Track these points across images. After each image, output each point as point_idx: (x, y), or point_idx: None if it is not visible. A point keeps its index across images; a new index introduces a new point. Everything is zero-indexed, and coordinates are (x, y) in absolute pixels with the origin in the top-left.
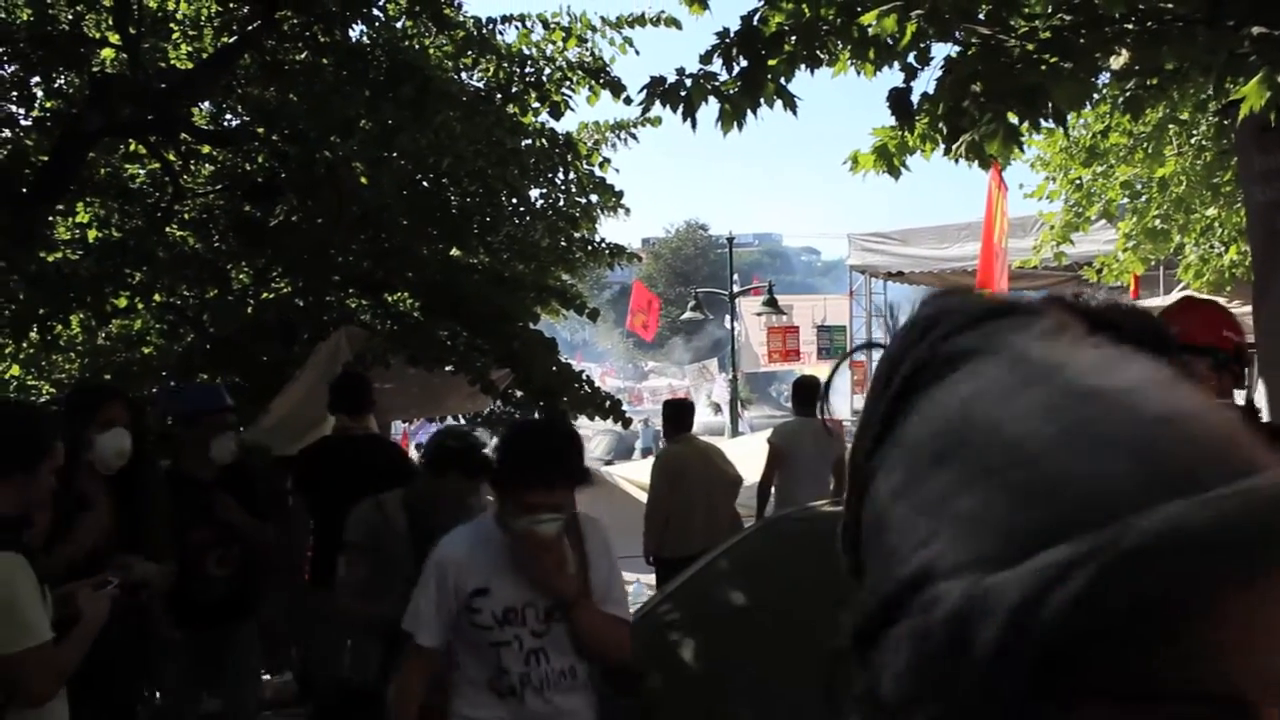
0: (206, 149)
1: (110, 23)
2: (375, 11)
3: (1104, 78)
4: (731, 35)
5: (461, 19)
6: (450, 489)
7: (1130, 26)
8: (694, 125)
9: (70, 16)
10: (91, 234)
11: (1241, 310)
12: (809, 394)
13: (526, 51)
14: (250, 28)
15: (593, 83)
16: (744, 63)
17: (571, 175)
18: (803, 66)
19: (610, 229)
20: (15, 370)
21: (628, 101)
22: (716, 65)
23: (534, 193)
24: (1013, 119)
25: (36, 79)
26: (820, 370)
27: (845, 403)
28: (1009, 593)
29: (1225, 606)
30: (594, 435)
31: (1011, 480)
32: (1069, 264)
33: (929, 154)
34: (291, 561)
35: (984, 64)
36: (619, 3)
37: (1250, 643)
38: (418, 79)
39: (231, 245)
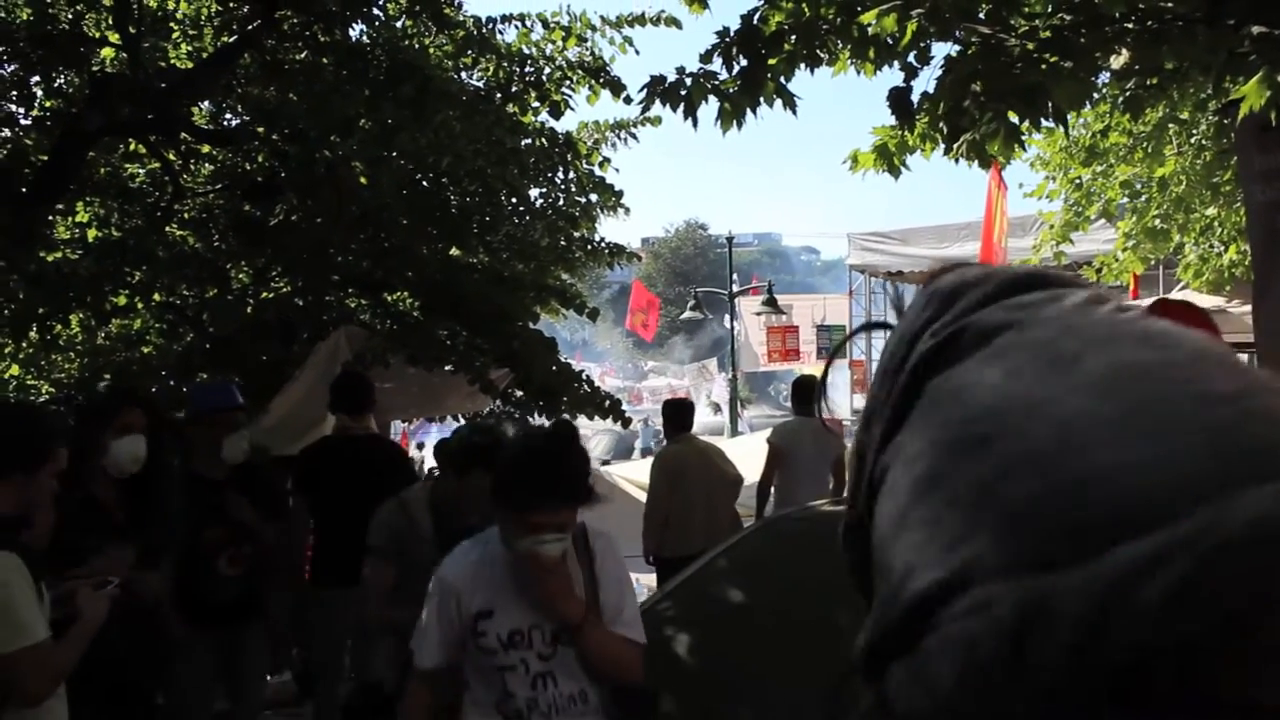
0: (206, 148)
1: (110, 22)
2: (375, 11)
3: (1104, 77)
4: (731, 34)
5: (461, 18)
6: (475, 487)
7: (1130, 26)
8: (695, 124)
9: (70, 16)
10: (91, 233)
11: (1241, 310)
12: (808, 393)
13: (526, 51)
14: (250, 27)
15: (592, 82)
16: (744, 62)
17: (571, 175)
18: (803, 66)
19: (610, 228)
20: (15, 370)
21: (628, 101)
22: (716, 64)
23: (534, 192)
24: (1013, 118)
25: (36, 78)
26: (820, 370)
27: (845, 402)
28: (1078, 595)
29: None
30: (594, 435)
31: (1063, 467)
32: (1069, 263)
33: (929, 153)
34: (293, 561)
35: (984, 63)
36: (619, 2)
37: None
38: (418, 78)
39: (231, 245)
